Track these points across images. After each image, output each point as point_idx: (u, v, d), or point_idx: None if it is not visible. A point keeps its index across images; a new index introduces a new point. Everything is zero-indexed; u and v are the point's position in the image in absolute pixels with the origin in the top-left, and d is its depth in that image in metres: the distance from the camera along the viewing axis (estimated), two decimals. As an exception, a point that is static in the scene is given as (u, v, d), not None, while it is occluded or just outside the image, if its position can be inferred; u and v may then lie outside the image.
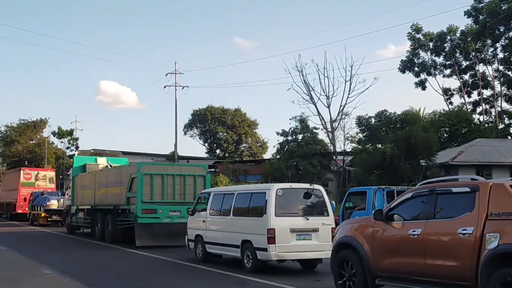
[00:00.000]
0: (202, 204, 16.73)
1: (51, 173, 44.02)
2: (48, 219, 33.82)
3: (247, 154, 74.40)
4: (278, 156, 44.61)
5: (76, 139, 70.45)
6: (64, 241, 25.03)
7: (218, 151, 74.89)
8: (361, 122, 37.20)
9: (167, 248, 19.46)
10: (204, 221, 15.81)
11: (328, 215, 13.80)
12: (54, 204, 33.77)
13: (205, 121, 74.07)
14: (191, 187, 21.17)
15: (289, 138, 43.15)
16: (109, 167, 27.22)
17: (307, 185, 14.38)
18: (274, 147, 47.01)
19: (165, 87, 50.70)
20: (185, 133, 75.04)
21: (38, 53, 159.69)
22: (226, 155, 71.82)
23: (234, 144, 74.30)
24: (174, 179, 20.94)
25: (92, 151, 30.51)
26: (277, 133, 43.77)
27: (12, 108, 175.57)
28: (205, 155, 72.42)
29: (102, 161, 28.57)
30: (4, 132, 79.07)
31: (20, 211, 39.69)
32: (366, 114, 37.91)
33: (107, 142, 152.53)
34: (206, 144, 76.08)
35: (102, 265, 15.88)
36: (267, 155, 70.28)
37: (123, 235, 22.00)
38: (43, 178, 41.85)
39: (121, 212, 22.26)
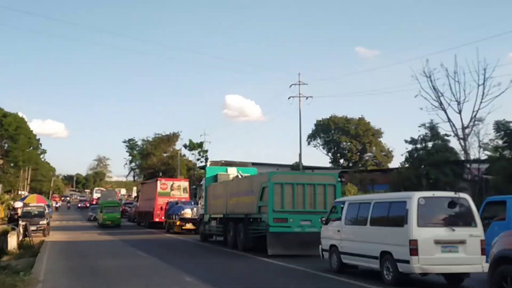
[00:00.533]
0: (336, 213, 16.18)
1: (185, 183, 44.99)
2: (183, 227, 34.66)
3: (371, 163, 72.46)
4: (406, 165, 42.59)
5: (206, 151, 72.87)
6: (199, 248, 25.57)
7: (342, 161, 73.72)
8: (500, 127, 34.26)
9: (299, 257, 19.09)
10: (338, 231, 15.25)
11: (476, 225, 12.63)
12: (188, 213, 34.61)
13: (329, 131, 73.29)
14: (322, 196, 20.67)
15: (418, 146, 41.05)
16: (239, 176, 27.38)
17: (451, 194, 13.28)
18: (402, 155, 44.92)
19: (289, 98, 50.63)
20: (308, 143, 74.84)
21: (170, 69, 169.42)
22: (350, 164, 70.47)
23: (359, 153, 72.69)
24: (305, 188, 20.57)
25: (223, 161, 30.79)
26: (405, 141, 41.84)
27: (149, 123, 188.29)
28: (329, 165, 71.60)
29: (232, 171, 28.74)
30: (141, 146, 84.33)
31: (157, 220, 40.74)
32: (504, 119, 34.88)
33: (233, 154, 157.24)
34: (329, 154, 75.27)
35: (239, 274, 15.85)
36: (392, 165, 68.03)
37: (255, 244, 21.96)
38: (177, 188, 42.87)
39: (252, 221, 22.26)
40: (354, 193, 36.62)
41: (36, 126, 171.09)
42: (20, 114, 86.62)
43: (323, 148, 75.66)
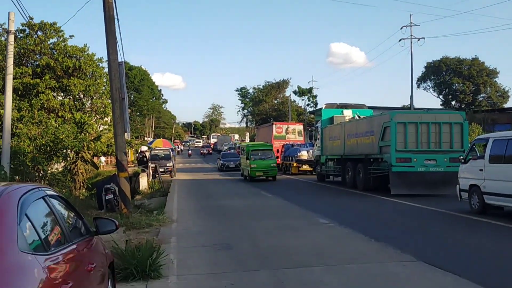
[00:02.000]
0: (475, 151, 14.18)
1: (300, 127, 43.66)
2: (299, 168, 33.82)
3: (485, 104, 66.72)
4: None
5: (315, 96, 71.08)
6: (319, 188, 24.55)
7: (453, 102, 68.60)
8: None
9: (423, 197, 17.60)
10: (481, 170, 13.27)
11: None
12: (304, 154, 33.69)
13: (440, 73, 68.13)
14: (447, 135, 18.97)
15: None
16: (357, 118, 26.04)
17: None
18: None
19: (400, 40, 47.15)
20: (418, 86, 70.30)
21: (276, 18, 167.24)
22: (463, 106, 65.38)
23: (471, 94, 67.13)
24: (429, 127, 18.95)
25: (338, 104, 29.63)
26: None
27: (259, 72, 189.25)
28: (440, 107, 66.99)
29: (348, 113, 27.77)
30: (253, 94, 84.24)
31: None
32: None
33: (341, 99, 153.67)
34: (440, 96, 70.28)
35: (375, 215, 14.25)
36: (508, 105, 62.28)
37: (375, 184, 20.92)
38: (292, 132, 41.65)
39: (372, 161, 20.95)
40: (478, 133, 33.44)
41: (156, 79, 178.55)
42: (143, 68, 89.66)
43: (433, 91, 70.69)
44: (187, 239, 10.57)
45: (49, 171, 17.65)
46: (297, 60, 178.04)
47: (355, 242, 9.83)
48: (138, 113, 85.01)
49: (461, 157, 14.91)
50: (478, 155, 13.81)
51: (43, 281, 2.80)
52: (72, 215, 4.34)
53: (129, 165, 44.49)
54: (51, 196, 3.93)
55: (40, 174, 16.83)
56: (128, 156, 51.89)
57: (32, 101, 20.61)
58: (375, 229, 11.46)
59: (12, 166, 15.70)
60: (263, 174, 28.54)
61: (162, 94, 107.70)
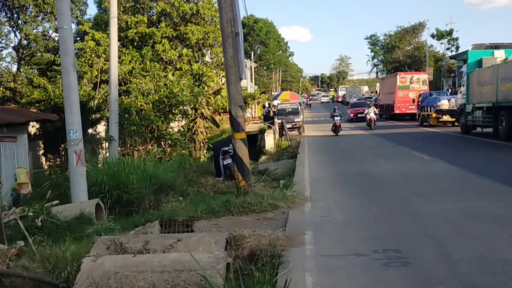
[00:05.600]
0: None
1: (424, 76, 41.93)
2: (439, 119, 29.97)
3: None
4: None
5: (456, 39, 62.76)
6: (464, 142, 21.14)
7: None
8: None
9: None
10: None
11: None
12: (445, 104, 29.72)
13: None
14: None
15: None
16: (515, 59, 21.51)
17: None
18: None
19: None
20: None
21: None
22: None
23: None
24: None
25: (488, 44, 25.22)
26: None
27: (389, 17, 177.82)
28: None
29: (499, 54, 23.45)
30: (383, 41, 77.40)
31: (397, 112, 39.24)
32: None
33: (485, 41, 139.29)
34: None
35: None
36: None
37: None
38: (416, 81, 40.01)
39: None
40: None
41: (283, 32, 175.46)
42: (269, 20, 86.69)
43: None
44: (329, 238, 6.96)
45: (164, 131, 15.26)
46: (431, 3, 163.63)
47: None
48: (265, 67, 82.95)
49: None
50: None
51: None
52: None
53: (254, 121, 42.46)
54: None
55: (155, 135, 14.55)
56: (255, 112, 49.92)
57: (143, 50, 18.22)
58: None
59: (123, 125, 13.51)
60: None
61: (289, 47, 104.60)
